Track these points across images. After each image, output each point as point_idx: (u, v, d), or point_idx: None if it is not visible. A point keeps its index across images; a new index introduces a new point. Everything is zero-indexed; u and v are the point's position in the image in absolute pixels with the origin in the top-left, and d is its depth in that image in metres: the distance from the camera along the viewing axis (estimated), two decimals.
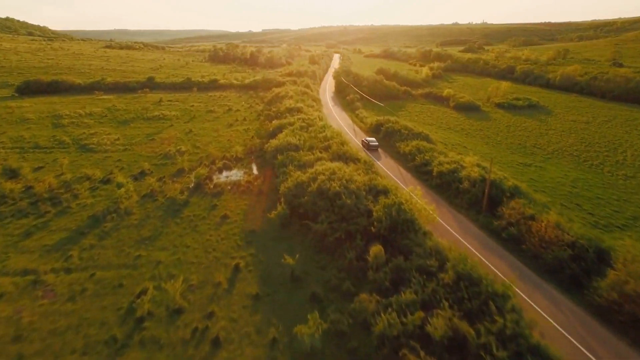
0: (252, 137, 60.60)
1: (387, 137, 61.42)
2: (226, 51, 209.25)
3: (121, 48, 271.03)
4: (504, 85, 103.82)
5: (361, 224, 29.51)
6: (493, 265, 28.43)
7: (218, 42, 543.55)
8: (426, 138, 58.36)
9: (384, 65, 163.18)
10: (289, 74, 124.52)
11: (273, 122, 61.88)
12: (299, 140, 47.31)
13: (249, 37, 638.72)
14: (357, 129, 70.57)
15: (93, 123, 67.35)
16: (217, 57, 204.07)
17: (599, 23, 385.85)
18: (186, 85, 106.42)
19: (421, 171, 47.09)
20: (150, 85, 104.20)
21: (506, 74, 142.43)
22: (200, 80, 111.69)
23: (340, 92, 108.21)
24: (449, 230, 33.65)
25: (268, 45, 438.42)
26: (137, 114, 75.07)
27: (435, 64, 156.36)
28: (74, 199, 38.26)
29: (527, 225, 31.37)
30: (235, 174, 46.19)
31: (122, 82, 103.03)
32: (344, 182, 33.37)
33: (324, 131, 53.00)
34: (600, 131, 74.42)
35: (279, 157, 43.42)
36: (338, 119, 77.60)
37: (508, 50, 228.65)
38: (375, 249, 25.27)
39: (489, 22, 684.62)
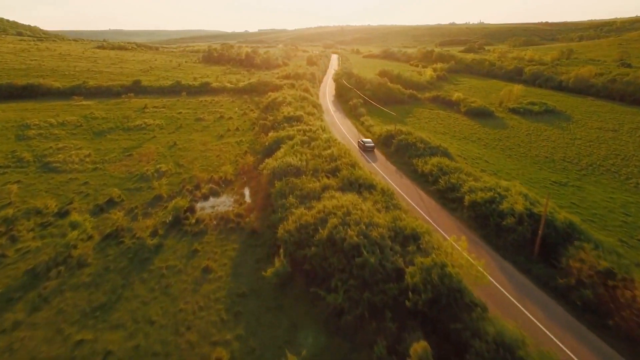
0: (246, 152, 52.22)
1: (401, 152, 53.23)
2: (221, 52, 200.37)
3: (113, 48, 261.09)
4: (517, 88, 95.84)
5: (390, 292, 21.27)
6: (574, 354, 20.35)
7: (214, 42, 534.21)
8: (446, 153, 50.24)
9: (384, 66, 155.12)
10: (287, 77, 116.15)
11: (269, 134, 53.52)
12: (301, 160, 39.00)
13: (245, 37, 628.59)
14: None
15: (64, 135, 58.65)
16: (211, 58, 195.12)
17: (598, 23, 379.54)
18: (175, 89, 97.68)
19: (447, 198, 38.91)
20: (136, 89, 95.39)
21: (514, 76, 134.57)
22: (190, 83, 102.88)
23: (342, 96, 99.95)
24: (498, 289, 25.54)
25: (264, 45, 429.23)
26: (116, 123, 66.40)
27: (439, 65, 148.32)
28: (12, 243, 29.71)
29: (607, 288, 23.35)
30: (223, 202, 37.86)
31: (105, 86, 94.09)
32: (363, 226, 25.11)
33: (330, 147, 44.72)
34: (633, 141, 66.56)
35: (277, 183, 35.09)
36: (342, 128, 69.36)
37: (510, 51, 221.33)
38: (419, 348, 17.05)
39: (486, 22, 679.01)
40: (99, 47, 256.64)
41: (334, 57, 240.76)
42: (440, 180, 40.94)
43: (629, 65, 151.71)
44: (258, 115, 73.97)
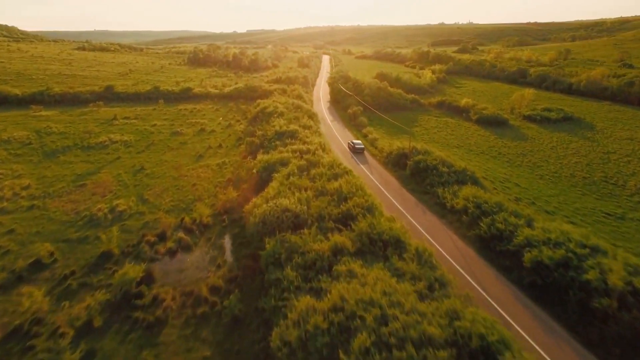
0: (229, 180, 41.79)
1: (419, 177, 43.36)
2: (207, 53, 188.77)
3: (93, 50, 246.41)
4: (529, 93, 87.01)
5: None
6: None
7: (201, 43, 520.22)
8: (475, 180, 40.53)
9: (380, 68, 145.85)
10: (277, 81, 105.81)
11: (258, 156, 43.16)
12: (300, 202, 28.79)
13: (234, 37, 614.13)
14: (371, 159, 52.36)
15: (4, 157, 47.36)
16: (197, 60, 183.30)
17: (587, 23, 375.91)
18: (152, 96, 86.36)
19: (494, 250, 29.16)
20: (108, 96, 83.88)
21: (517, 78, 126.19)
22: (170, 89, 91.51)
23: (338, 102, 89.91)
24: None
25: (253, 46, 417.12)
26: (75, 139, 55.26)
27: (437, 67, 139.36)
28: None
29: None
30: (195, 263, 27.48)
31: (71, 93, 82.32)
32: (402, 331, 15.14)
33: (336, 177, 34.63)
34: None
35: (268, 242, 24.88)
36: (342, 142, 59.32)
37: (505, 51, 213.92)
38: None
39: (475, 22, 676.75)
40: (78, 49, 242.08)
41: (325, 58, 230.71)
42: (481, 223, 31.12)
43: (631, 66, 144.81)
44: (245, 128, 63.42)
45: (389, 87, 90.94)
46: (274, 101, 71.73)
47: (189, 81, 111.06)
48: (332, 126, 70.29)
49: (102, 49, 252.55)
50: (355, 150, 54.30)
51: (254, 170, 39.60)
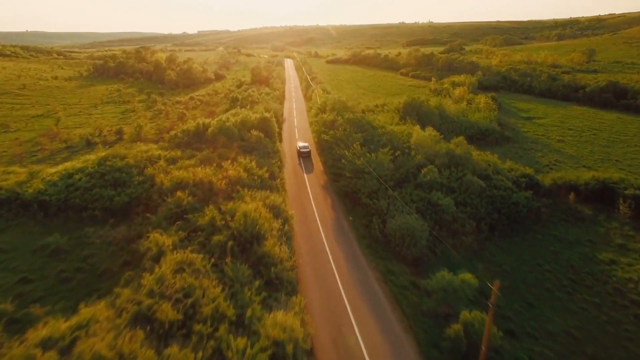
0: None
1: None
2: (121, 60, 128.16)
3: None
4: None
5: None
6: None
7: (144, 44, 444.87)
8: None
9: (368, 79, 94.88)
10: (200, 134, 50.10)
11: None
12: None
13: (182, 39, 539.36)
14: None
15: None
16: (105, 70, 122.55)
17: (562, 21, 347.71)
18: None
19: None
20: None
21: (569, 93, 79.30)
22: None
23: (346, 195, 36.42)
24: None
25: (201, 48, 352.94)
26: None
27: (464, 79, 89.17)
28: None
29: None
30: None
31: None
32: None
33: None
34: None
35: None
36: None
37: (509, 53, 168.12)
38: None
39: (434, 21, 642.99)
40: None
41: (289, 64, 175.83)
42: None
43: None
44: None
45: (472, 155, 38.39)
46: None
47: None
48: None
49: None
50: (300, 154, 44.30)
51: None
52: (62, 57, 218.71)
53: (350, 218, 30.14)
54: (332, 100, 51.65)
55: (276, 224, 23.71)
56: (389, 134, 41.42)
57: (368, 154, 34.38)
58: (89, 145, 47.99)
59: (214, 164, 32.93)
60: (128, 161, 34.71)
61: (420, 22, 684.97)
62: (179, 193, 26.55)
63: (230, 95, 62.71)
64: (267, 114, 46.05)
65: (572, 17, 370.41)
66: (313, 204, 32.97)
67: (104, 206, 29.64)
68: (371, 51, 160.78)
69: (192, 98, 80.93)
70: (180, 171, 30.86)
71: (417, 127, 42.18)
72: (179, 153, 37.30)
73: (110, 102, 76.39)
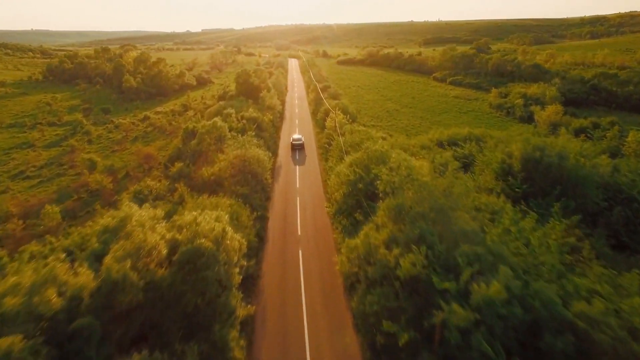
0: None
1: None
2: (80, 61, 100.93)
3: None
4: None
5: None
6: None
7: (145, 43, 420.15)
8: None
9: (397, 87, 67.52)
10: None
11: None
12: None
13: (185, 37, 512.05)
14: None
15: None
16: (60, 73, 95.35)
17: (590, 19, 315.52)
18: None
19: None
20: None
21: None
22: None
23: None
24: None
25: (201, 47, 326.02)
26: None
27: (542, 90, 60.61)
28: None
29: None
30: None
31: None
32: None
33: None
34: None
35: None
36: None
37: (551, 54, 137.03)
38: None
39: (444, 19, 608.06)
40: None
41: (294, 65, 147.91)
42: None
43: None
44: None
45: None
46: None
47: None
48: None
49: None
50: (294, 147, 42.62)
51: None
52: (39, 55, 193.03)
53: None
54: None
55: None
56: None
57: None
58: None
59: None
60: None
61: (430, 20, 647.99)
62: None
63: (185, 127, 34.72)
64: (205, 245, 16.47)
65: (599, 14, 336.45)
66: None
67: None
68: (391, 50, 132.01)
69: (146, 118, 53.29)
70: None
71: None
72: None
73: (14, 126, 49.03)
